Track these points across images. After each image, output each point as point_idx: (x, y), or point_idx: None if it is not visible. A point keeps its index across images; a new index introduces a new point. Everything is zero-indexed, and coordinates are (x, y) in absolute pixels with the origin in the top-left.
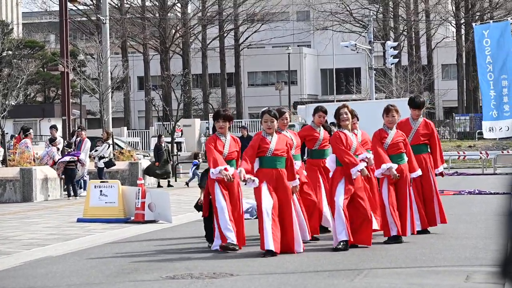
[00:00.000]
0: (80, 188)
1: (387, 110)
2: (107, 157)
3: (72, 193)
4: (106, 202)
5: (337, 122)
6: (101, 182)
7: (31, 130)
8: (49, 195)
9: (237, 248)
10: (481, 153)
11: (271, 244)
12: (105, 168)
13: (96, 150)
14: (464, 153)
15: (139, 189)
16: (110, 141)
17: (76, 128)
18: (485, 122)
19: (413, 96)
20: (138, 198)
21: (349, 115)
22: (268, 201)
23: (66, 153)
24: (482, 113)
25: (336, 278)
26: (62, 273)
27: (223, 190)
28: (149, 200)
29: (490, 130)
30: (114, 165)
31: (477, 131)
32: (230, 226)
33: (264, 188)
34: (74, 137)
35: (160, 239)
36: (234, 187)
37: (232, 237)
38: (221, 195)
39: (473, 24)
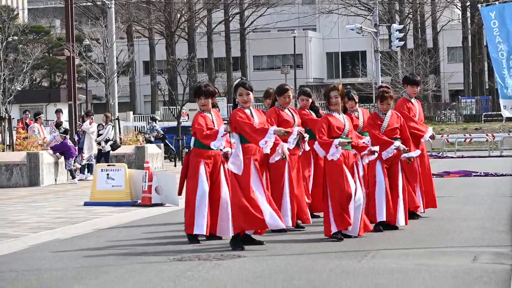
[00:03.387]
0: (87, 171)
1: (382, 97)
2: (112, 140)
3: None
4: (113, 186)
5: (327, 105)
6: (108, 165)
7: (41, 115)
8: (56, 179)
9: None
10: (487, 135)
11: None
12: (111, 150)
13: (100, 135)
14: (470, 135)
15: (146, 172)
16: (111, 123)
17: (83, 113)
18: (501, 100)
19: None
20: (145, 181)
21: (339, 99)
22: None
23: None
24: (498, 92)
25: (344, 259)
26: (70, 255)
27: (207, 173)
28: (156, 183)
29: (504, 108)
30: (119, 146)
31: (483, 114)
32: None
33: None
34: (83, 122)
35: (167, 222)
36: (219, 168)
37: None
38: (205, 178)
39: (479, 5)
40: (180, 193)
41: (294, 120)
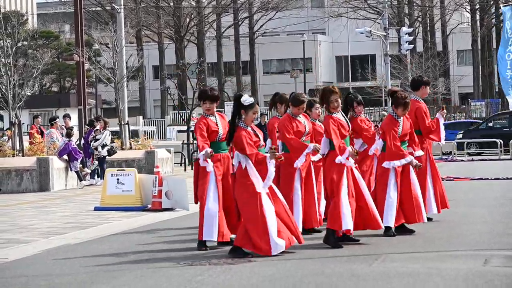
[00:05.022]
0: (98, 176)
1: (405, 106)
2: (109, 145)
3: (83, 178)
4: (123, 191)
5: (326, 107)
6: (118, 170)
7: (57, 120)
8: (66, 184)
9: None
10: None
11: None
12: (107, 156)
13: (96, 140)
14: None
15: (155, 177)
16: (109, 129)
17: (93, 118)
18: (508, 97)
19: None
20: (155, 186)
21: (340, 102)
22: None
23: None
24: (503, 90)
25: (354, 263)
26: (81, 260)
27: (217, 177)
28: (166, 188)
29: None
30: (116, 152)
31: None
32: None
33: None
34: (91, 127)
35: (177, 227)
36: (228, 173)
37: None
38: (214, 184)
39: (501, 5)
40: (196, 202)
41: (305, 128)
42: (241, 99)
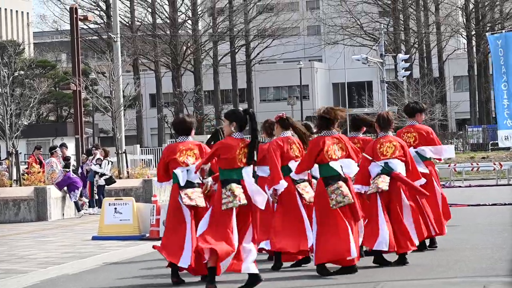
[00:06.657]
0: (96, 205)
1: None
2: (108, 175)
3: (81, 208)
4: (120, 220)
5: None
6: (115, 199)
7: (57, 149)
8: (63, 214)
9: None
10: (494, 164)
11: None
12: (105, 185)
13: (95, 165)
14: (477, 164)
15: (153, 206)
16: (109, 158)
17: (90, 147)
18: (500, 131)
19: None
20: (153, 215)
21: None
22: None
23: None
24: (497, 122)
25: None
26: None
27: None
28: (163, 216)
29: (505, 138)
30: (115, 182)
31: (490, 142)
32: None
33: None
34: (89, 156)
35: None
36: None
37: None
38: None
39: (486, 33)
40: None
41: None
42: None
